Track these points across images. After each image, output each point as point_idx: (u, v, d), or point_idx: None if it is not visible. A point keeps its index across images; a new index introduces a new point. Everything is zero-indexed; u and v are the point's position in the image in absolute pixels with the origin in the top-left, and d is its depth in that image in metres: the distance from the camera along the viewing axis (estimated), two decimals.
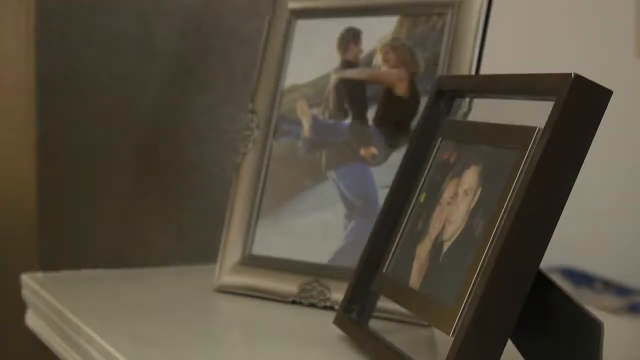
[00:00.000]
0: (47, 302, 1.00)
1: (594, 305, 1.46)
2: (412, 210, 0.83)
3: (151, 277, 1.13)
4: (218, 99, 1.39)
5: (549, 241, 0.66)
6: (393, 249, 0.83)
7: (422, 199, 0.82)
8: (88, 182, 1.32)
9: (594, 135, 0.66)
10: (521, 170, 0.67)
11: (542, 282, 0.69)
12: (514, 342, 0.72)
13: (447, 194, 0.77)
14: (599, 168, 1.74)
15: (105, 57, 1.31)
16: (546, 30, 2.43)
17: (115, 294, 1.03)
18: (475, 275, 0.67)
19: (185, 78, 1.37)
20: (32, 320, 1.06)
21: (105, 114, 1.32)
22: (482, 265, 0.67)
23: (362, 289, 0.86)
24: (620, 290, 2.21)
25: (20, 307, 1.10)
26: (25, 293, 1.08)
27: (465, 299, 0.67)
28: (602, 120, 0.66)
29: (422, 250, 0.77)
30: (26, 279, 1.08)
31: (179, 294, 1.05)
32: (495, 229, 0.67)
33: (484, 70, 0.95)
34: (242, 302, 1.01)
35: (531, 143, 0.68)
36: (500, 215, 0.67)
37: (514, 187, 0.67)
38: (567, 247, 2.03)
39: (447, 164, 0.80)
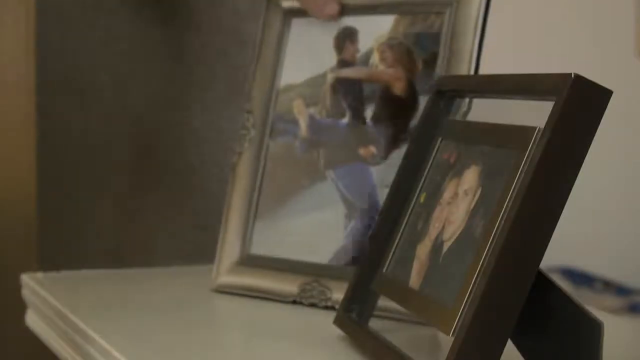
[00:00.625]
0: (47, 302, 1.00)
1: (594, 305, 1.46)
2: (412, 210, 0.83)
3: (151, 277, 1.13)
4: (218, 99, 1.39)
5: (549, 241, 0.66)
6: (393, 249, 0.83)
7: (422, 199, 0.82)
8: (88, 182, 1.32)
9: (594, 135, 0.66)
10: (521, 170, 0.67)
11: (542, 282, 0.69)
12: (514, 342, 0.72)
13: (447, 194, 0.77)
14: (599, 168, 1.74)
15: (105, 57, 1.31)
16: (546, 30, 2.43)
17: (115, 294, 1.03)
18: (475, 275, 0.67)
19: (186, 78, 1.37)
20: (32, 320, 1.06)
21: (105, 113, 1.32)
22: (482, 265, 0.67)
23: (362, 289, 0.86)
24: (620, 290, 2.21)
25: (20, 307, 1.10)
26: (25, 293, 1.08)
27: (465, 299, 0.67)
28: (602, 120, 0.65)
29: (422, 250, 0.77)
30: (26, 279, 1.08)
31: (179, 294, 1.05)
32: (495, 229, 0.67)
33: (483, 70, 0.95)
34: (242, 302, 1.01)
35: (531, 143, 0.68)
36: (500, 215, 0.67)
37: (514, 187, 0.67)
38: (567, 247, 2.03)
39: (447, 164, 0.80)
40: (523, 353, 0.73)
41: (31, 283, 1.06)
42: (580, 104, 0.65)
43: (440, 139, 0.83)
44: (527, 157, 0.67)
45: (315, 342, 0.86)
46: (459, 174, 0.77)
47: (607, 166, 2.21)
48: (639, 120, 2.28)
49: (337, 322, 0.86)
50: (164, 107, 1.36)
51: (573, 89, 0.65)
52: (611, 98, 0.65)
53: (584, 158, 0.66)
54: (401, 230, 0.83)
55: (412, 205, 0.83)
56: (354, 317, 0.86)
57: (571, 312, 0.69)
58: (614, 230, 2.31)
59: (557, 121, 0.65)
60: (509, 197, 0.67)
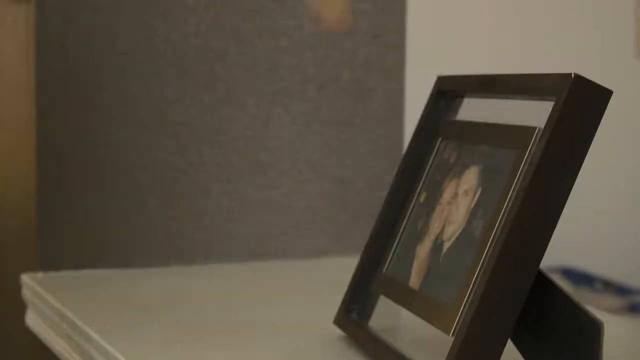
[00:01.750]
0: (47, 302, 1.00)
1: (594, 305, 1.46)
2: (412, 210, 0.83)
3: (151, 277, 1.13)
4: (218, 99, 1.39)
5: (549, 241, 0.65)
6: (393, 249, 0.83)
7: (422, 199, 0.82)
8: (88, 181, 1.32)
9: (594, 135, 0.65)
10: (521, 170, 0.67)
11: (542, 282, 0.69)
12: (514, 342, 0.72)
13: (447, 194, 0.77)
14: (599, 168, 1.74)
15: (105, 57, 1.31)
16: (546, 30, 2.43)
17: (115, 294, 1.03)
18: (475, 275, 0.67)
19: (186, 78, 1.37)
20: (32, 320, 1.06)
21: (105, 114, 1.32)
22: (482, 265, 0.67)
23: (362, 289, 0.85)
24: (620, 290, 2.21)
25: (20, 307, 1.10)
26: (25, 293, 1.08)
27: (465, 299, 0.67)
28: (602, 120, 0.65)
29: (422, 250, 0.77)
30: (26, 279, 1.08)
31: (179, 294, 1.05)
32: (495, 229, 0.67)
33: (484, 70, 0.94)
34: (242, 302, 1.01)
35: (531, 143, 0.68)
36: (500, 215, 0.67)
37: (514, 187, 0.67)
38: (567, 247, 2.03)
39: (447, 164, 0.80)
40: (523, 353, 0.73)
41: (31, 283, 1.06)
42: (580, 104, 0.65)
43: (440, 139, 0.83)
44: (527, 157, 0.67)
45: (316, 342, 0.86)
46: (459, 174, 0.77)
47: (607, 166, 2.21)
48: (639, 120, 2.28)
49: (337, 322, 0.86)
50: (164, 107, 1.36)
51: (573, 89, 0.65)
52: (611, 98, 0.65)
53: (584, 158, 0.66)
54: (401, 230, 0.83)
55: (412, 205, 0.83)
56: (354, 317, 0.85)
57: (571, 312, 0.69)
58: (614, 230, 2.31)
59: (557, 121, 0.65)
60: (509, 197, 0.67)
